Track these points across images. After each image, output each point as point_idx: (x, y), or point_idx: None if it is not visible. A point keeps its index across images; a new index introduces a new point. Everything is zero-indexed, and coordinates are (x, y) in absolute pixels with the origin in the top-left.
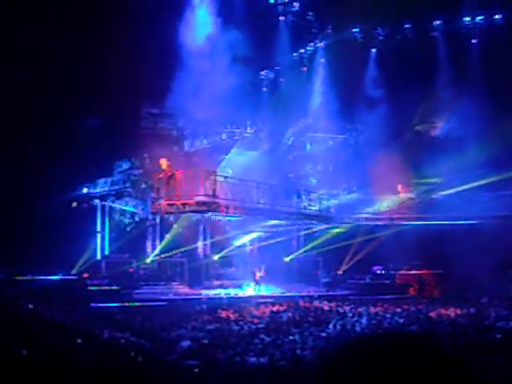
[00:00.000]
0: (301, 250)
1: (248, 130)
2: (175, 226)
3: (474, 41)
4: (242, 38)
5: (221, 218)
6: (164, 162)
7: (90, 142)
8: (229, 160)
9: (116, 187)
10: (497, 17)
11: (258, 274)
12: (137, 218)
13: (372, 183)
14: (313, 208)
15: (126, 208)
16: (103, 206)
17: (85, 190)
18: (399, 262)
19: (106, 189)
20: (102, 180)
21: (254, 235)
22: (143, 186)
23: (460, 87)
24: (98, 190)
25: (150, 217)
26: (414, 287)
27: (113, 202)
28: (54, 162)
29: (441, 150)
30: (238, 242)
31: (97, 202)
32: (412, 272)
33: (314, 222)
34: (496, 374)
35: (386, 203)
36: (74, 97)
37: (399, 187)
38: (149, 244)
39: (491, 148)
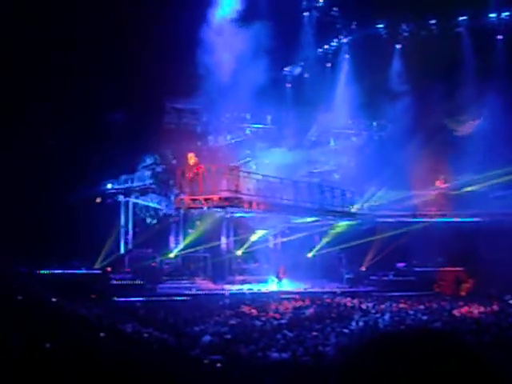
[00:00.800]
0: (323, 246)
1: (272, 126)
2: (198, 222)
3: (499, 37)
4: (266, 33)
5: (243, 214)
6: (192, 157)
7: (114, 137)
8: (253, 156)
9: (140, 183)
10: None
11: (282, 271)
12: (160, 214)
13: (398, 179)
14: (336, 204)
15: (150, 204)
16: (127, 202)
17: (109, 186)
18: (423, 258)
19: (130, 185)
20: (125, 176)
21: (277, 231)
22: (167, 182)
23: (486, 84)
24: (122, 185)
25: (174, 213)
26: (451, 284)
27: (136, 197)
28: (78, 157)
29: (469, 147)
30: (261, 238)
31: (121, 197)
32: (449, 269)
33: (337, 218)
34: None
35: (418, 199)
36: (98, 92)
37: (438, 182)
38: (172, 239)
39: None
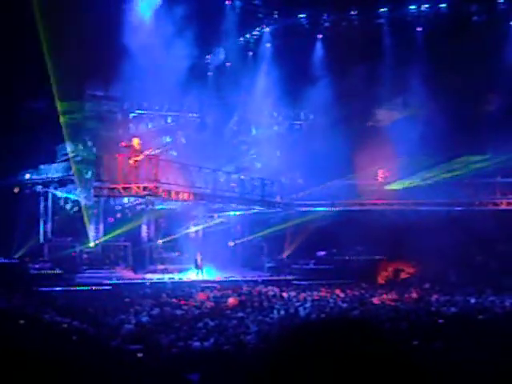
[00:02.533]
0: (244, 235)
1: (194, 115)
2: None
3: (419, 29)
4: (188, 20)
5: (164, 206)
6: (136, 141)
7: (33, 126)
8: (173, 144)
9: (59, 174)
10: (442, 5)
11: (200, 259)
12: (80, 205)
13: (321, 168)
14: (256, 193)
15: (69, 196)
16: (46, 192)
17: (27, 176)
18: (343, 247)
19: (49, 176)
20: (44, 166)
21: (199, 221)
22: (86, 174)
23: (405, 74)
24: (41, 176)
25: (92, 202)
26: (385, 274)
27: (55, 188)
28: None
29: (392, 136)
30: (183, 228)
31: (39, 188)
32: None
33: (256, 207)
34: (435, 358)
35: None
36: (16, 79)
37: (380, 172)
38: (92, 228)
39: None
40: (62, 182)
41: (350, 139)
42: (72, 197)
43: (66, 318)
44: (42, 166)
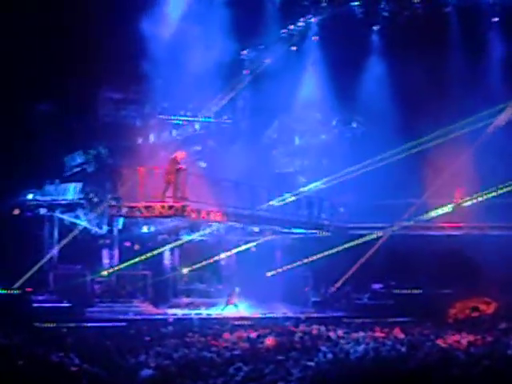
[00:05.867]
0: (285, 263)
1: (226, 121)
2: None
3: (495, 19)
4: (220, 10)
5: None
6: (181, 155)
7: (36, 133)
8: (203, 155)
9: (67, 197)
10: None
11: (234, 294)
12: (91, 234)
13: (377, 184)
14: (301, 213)
15: (78, 222)
16: (51, 216)
17: (29, 197)
18: (403, 278)
19: (56, 198)
20: (50, 186)
21: (231, 245)
22: (98, 198)
23: (478, 72)
24: (46, 197)
25: (104, 231)
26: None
27: (62, 213)
28: None
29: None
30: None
31: (43, 211)
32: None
33: (301, 230)
34: None
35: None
36: (20, 80)
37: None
38: (105, 254)
39: None
40: (70, 206)
41: (414, 150)
42: (81, 223)
43: (74, 359)
44: (47, 186)
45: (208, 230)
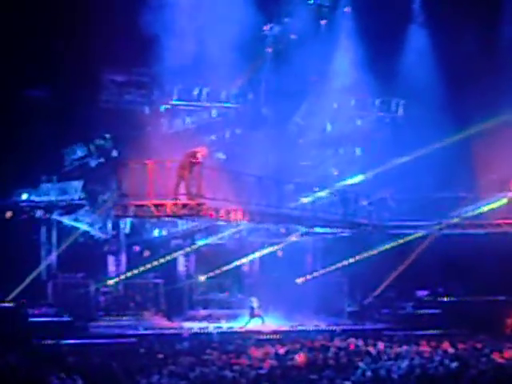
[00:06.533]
0: (317, 268)
1: (247, 106)
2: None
3: None
4: None
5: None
6: (204, 151)
7: (31, 122)
8: (221, 145)
9: (66, 197)
10: None
11: (257, 305)
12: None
13: (421, 177)
14: (334, 211)
15: (79, 225)
16: (48, 219)
17: (24, 197)
18: (453, 284)
19: (53, 198)
20: (48, 185)
21: (254, 248)
22: (102, 198)
23: None
24: (42, 198)
25: (109, 235)
26: None
27: (61, 215)
28: None
29: None
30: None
31: (39, 213)
32: None
33: (334, 229)
34: None
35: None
36: (8, 61)
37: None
38: (111, 260)
39: None
40: (69, 208)
41: (463, 135)
42: (82, 227)
43: (77, 381)
44: (44, 184)
45: (227, 233)
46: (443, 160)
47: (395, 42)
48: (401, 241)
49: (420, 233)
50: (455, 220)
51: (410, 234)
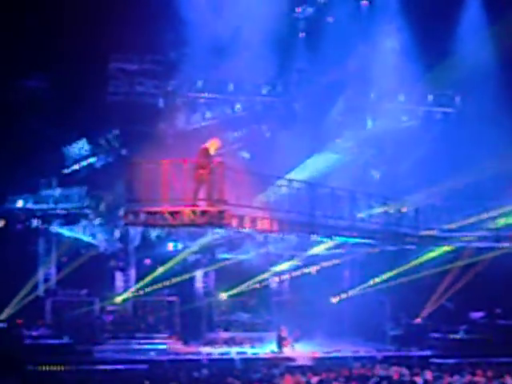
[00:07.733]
0: (356, 286)
1: (276, 99)
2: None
3: None
4: None
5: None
6: (216, 144)
7: (28, 118)
8: (244, 142)
9: (67, 205)
10: None
11: (285, 333)
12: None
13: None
14: (375, 220)
15: (82, 237)
16: (47, 229)
17: (19, 204)
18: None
19: (53, 206)
20: (47, 191)
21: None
22: (108, 203)
23: None
24: (40, 206)
25: (115, 247)
26: None
27: (61, 225)
28: None
29: None
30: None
31: (36, 223)
32: None
33: (375, 241)
34: None
35: None
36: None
37: None
38: (119, 275)
39: None
40: (70, 217)
41: None
42: (85, 239)
43: None
44: (43, 191)
45: (252, 246)
46: (503, 162)
47: (448, 25)
48: (452, 255)
49: (474, 246)
50: None
51: (462, 248)
